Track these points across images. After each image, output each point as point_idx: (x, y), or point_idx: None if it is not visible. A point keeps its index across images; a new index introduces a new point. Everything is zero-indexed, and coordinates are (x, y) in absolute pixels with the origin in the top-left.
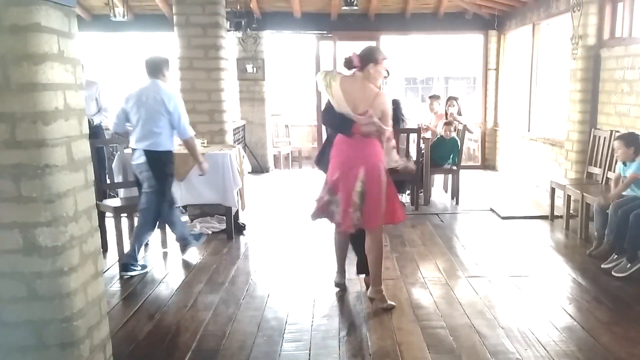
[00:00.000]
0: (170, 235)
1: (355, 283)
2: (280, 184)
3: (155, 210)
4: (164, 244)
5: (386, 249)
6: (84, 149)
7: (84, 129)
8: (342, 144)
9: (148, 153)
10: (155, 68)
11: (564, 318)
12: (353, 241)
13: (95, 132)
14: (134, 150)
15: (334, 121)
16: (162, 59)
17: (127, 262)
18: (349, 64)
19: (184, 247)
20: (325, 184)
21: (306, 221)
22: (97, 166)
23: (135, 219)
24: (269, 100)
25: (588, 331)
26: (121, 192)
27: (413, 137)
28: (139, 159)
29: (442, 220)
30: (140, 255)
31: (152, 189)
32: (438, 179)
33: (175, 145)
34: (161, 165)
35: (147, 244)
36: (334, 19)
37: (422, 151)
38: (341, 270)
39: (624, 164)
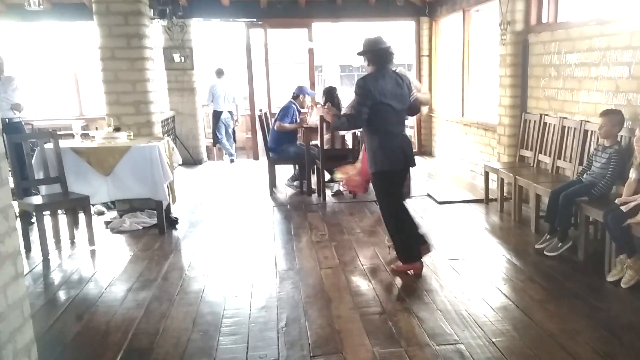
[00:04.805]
0: (98, 232)
1: (290, 275)
2: (213, 176)
3: None
4: (91, 241)
5: (324, 237)
6: None
7: None
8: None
9: None
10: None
11: (500, 298)
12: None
13: (16, 128)
14: None
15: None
16: None
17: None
18: None
19: None
20: None
21: (240, 213)
22: (18, 163)
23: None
24: (199, 90)
25: (522, 310)
26: (43, 189)
27: None
28: None
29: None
30: (69, 253)
31: None
32: None
33: (99, 139)
34: None
35: (73, 242)
36: (264, 7)
37: (359, 138)
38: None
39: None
